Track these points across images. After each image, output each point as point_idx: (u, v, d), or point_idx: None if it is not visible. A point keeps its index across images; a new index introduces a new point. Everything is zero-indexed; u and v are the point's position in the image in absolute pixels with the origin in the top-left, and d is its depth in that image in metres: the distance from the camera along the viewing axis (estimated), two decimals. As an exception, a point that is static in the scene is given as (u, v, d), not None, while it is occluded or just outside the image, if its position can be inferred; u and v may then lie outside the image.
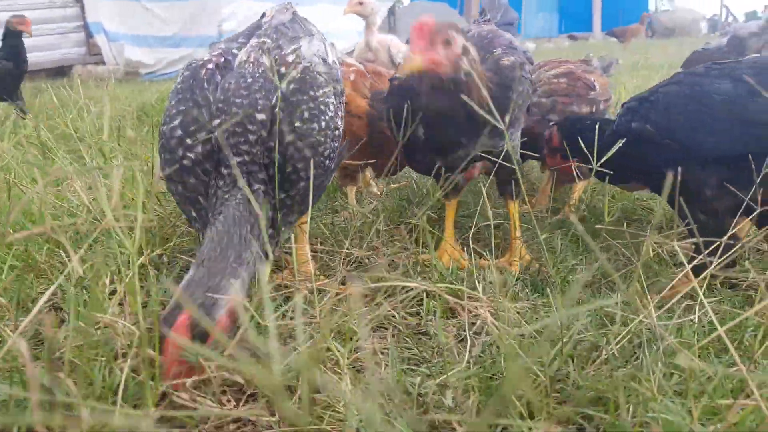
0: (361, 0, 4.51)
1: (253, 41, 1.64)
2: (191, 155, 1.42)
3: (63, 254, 1.56)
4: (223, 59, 1.58)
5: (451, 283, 1.68)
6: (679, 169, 1.40)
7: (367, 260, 1.88)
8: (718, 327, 1.05)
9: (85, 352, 1.19)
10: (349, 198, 2.45)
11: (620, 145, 1.56)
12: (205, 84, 1.50)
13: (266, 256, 1.30)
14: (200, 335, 1.12)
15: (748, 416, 1.01)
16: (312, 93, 1.52)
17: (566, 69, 2.38)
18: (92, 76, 9.19)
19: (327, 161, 1.55)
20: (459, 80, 1.58)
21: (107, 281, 1.44)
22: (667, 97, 1.63)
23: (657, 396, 1.08)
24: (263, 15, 1.88)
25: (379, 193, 2.62)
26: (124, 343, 1.21)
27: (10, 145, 2.86)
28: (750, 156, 1.39)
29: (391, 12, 12.36)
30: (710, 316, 1.49)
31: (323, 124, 1.51)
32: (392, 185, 2.69)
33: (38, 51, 9.45)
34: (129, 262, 1.47)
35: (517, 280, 1.68)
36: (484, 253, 1.88)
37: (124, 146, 2.64)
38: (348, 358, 1.39)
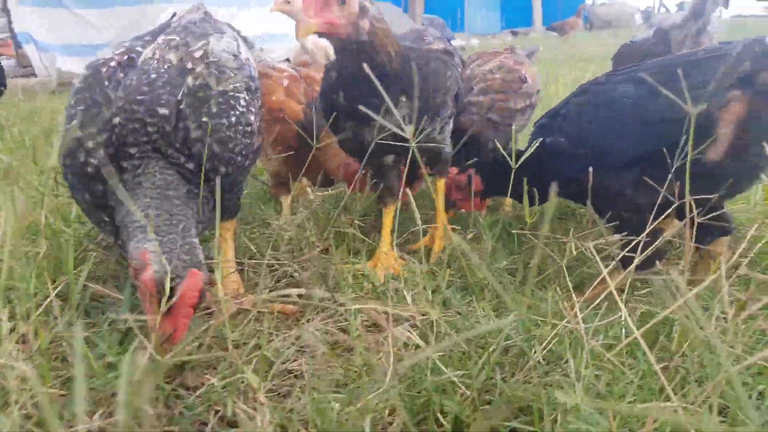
0: (288, -1, 4.32)
1: (160, 39, 1.59)
2: (93, 161, 1.35)
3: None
4: (126, 57, 1.52)
5: (383, 294, 1.64)
6: (591, 173, 1.42)
7: (297, 274, 1.82)
8: (634, 329, 1.04)
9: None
10: (283, 208, 2.38)
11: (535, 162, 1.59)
12: (106, 82, 1.43)
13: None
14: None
15: (667, 423, 1.00)
16: (220, 88, 1.48)
17: (499, 62, 2.37)
18: (23, 90, 8.77)
19: (239, 158, 1.50)
20: (362, 41, 1.54)
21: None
22: (577, 108, 1.67)
23: (579, 405, 1.05)
24: (173, 15, 1.82)
25: (314, 200, 2.56)
26: (16, 386, 1.11)
27: None
28: (664, 151, 1.40)
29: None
30: (640, 312, 1.51)
31: (233, 119, 1.47)
32: (329, 191, 2.63)
33: (-39, 65, 8.96)
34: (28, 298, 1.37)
35: (448, 288, 1.64)
36: (414, 261, 1.84)
37: (39, 164, 2.49)
38: (269, 382, 1.33)
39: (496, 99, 2.27)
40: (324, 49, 4.40)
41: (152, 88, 1.41)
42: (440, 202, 2.02)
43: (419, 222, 1.61)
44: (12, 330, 1.32)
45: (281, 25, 6.94)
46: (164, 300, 1.16)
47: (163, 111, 1.38)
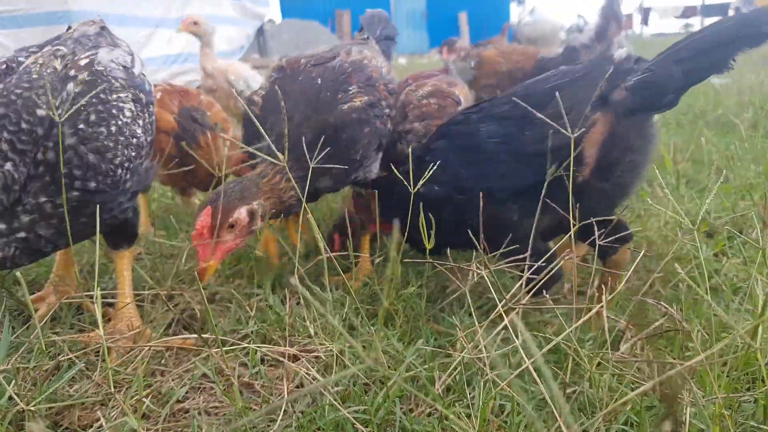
0: (196, 20, 4.07)
1: (46, 48, 1.52)
2: None
3: None
4: (5, 66, 1.46)
5: (291, 326, 1.58)
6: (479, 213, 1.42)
7: (197, 305, 1.73)
8: (525, 359, 1.04)
9: None
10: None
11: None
12: None
13: None
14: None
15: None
16: (102, 96, 1.41)
17: (433, 87, 2.35)
18: None
19: (119, 170, 1.43)
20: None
21: None
22: (443, 153, 1.63)
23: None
24: (68, 28, 1.71)
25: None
26: None
27: None
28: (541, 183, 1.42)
29: (261, 32, 11.92)
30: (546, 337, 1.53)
31: (113, 129, 1.41)
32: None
33: None
34: None
35: (356, 311, 1.60)
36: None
37: None
38: (161, 423, 1.24)
39: (431, 124, 2.24)
40: (224, 73, 4.22)
41: (31, 86, 1.34)
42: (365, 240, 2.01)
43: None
44: None
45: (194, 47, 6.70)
46: None
47: (40, 112, 1.32)
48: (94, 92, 1.39)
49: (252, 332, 1.59)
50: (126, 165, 1.44)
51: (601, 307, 1.09)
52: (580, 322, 1.01)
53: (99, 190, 1.39)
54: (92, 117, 1.38)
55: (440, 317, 1.70)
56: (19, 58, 1.50)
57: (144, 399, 1.27)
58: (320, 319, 1.58)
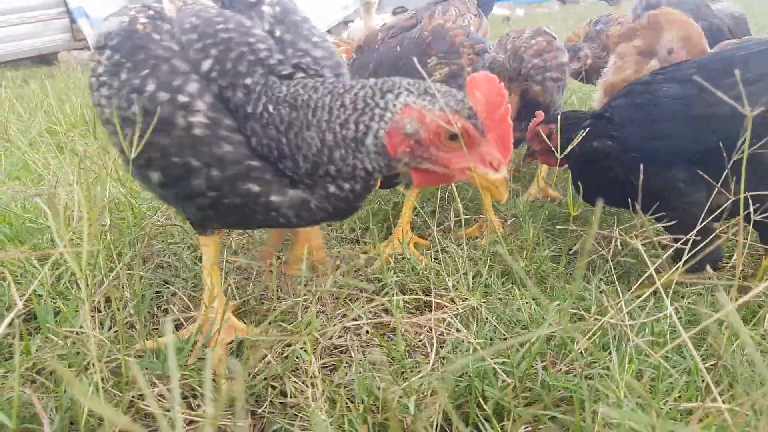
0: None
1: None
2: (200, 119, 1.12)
3: (35, 261, 1.55)
4: (151, 11, 1.27)
5: (425, 278, 1.68)
6: (642, 173, 1.41)
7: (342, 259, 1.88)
8: (682, 332, 1.06)
9: (52, 364, 1.19)
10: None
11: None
12: (157, 35, 1.19)
13: None
14: None
15: (713, 422, 1.01)
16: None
17: (532, 29, 2.34)
18: (78, 62, 9.07)
19: None
20: None
21: (79, 290, 1.43)
22: (622, 110, 1.65)
23: (621, 400, 1.08)
24: None
25: None
26: (96, 353, 1.21)
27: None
28: (720, 148, 1.39)
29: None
30: (688, 309, 1.51)
31: None
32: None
33: (21, 39, 9.30)
34: (96, 271, 1.47)
35: (488, 270, 1.67)
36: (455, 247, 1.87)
37: (99, 140, 2.61)
38: (318, 359, 1.39)
39: (548, 58, 2.27)
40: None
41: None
42: (487, 197, 2.03)
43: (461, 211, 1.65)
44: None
45: None
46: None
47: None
48: None
49: (391, 282, 1.72)
50: None
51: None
52: (745, 298, 1.00)
53: None
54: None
55: (571, 281, 1.73)
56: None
57: (315, 334, 1.41)
58: (455, 274, 1.67)
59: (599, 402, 1.16)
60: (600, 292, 1.62)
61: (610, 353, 1.32)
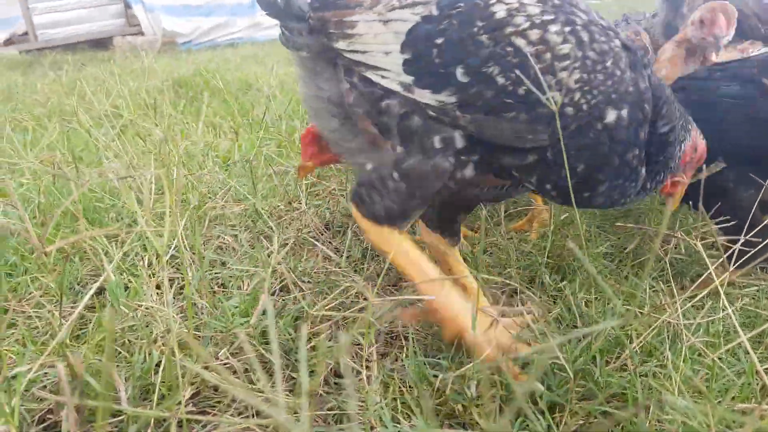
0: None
1: None
2: None
3: (105, 239, 1.63)
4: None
5: (474, 268, 1.69)
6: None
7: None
8: (740, 333, 1.05)
9: (125, 335, 1.26)
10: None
11: None
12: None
13: None
14: None
15: (769, 422, 1.01)
16: None
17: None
18: (132, 47, 9.35)
19: None
20: None
21: (145, 267, 1.51)
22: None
23: (677, 397, 1.08)
24: None
25: None
26: (162, 328, 1.27)
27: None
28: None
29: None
30: (742, 311, 1.49)
31: None
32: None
33: (78, 23, 9.63)
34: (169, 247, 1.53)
35: (545, 266, 1.68)
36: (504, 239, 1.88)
37: (162, 125, 2.71)
38: (373, 344, 1.43)
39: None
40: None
41: None
42: None
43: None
44: (151, 276, 1.51)
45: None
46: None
47: None
48: None
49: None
50: None
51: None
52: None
53: None
54: None
55: (621, 279, 1.72)
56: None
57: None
58: (505, 265, 1.69)
59: (652, 399, 1.16)
60: (654, 290, 1.61)
61: (663, 352, 1.32)
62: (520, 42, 1.11)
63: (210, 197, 2.04)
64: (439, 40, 1.15)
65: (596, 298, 1.58)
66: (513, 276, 1.66)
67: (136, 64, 6.40)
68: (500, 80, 1.12)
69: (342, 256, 1.76)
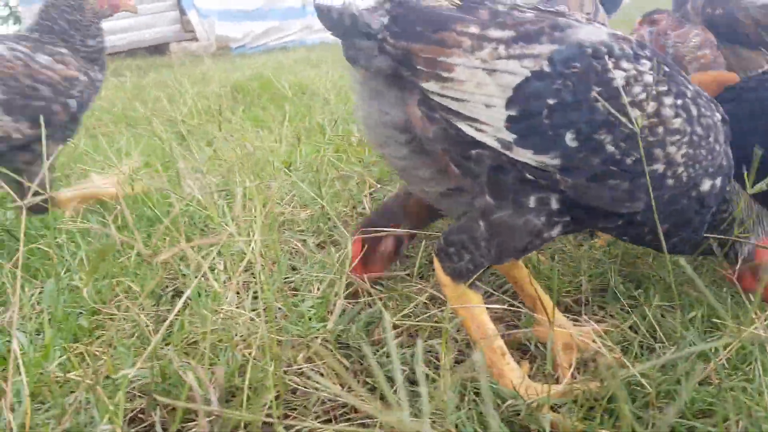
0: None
1: None
2: None
3: (183, 242, 1.69)
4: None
5: (548, 278, 1.68)
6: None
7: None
8: None
9: (209, 338, 1.30)
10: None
11: None
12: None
13: None
14: None
15: None
16: None
17: (701, 38, 2.17)
18: (187, 53, 9.66)
19: None
20: None
21: (222, 272, 1.56)
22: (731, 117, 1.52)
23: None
24: None
25: None
26: (243, 331, 1.31)
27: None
28: None
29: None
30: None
31: None
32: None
33: (137, 30, 10.00)
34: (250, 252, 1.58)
35: (619, 275, 1.64)
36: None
37: (223, 131, 2.79)
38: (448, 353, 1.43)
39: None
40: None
41: None
42: None
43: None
44: (227, 280, 1.56)
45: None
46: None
47: None
48: None
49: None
50: None
51: None
52: None
53: None
54: None
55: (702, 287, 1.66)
56: None
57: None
58: (577, 276, 1.66)
59: (742, 415, 1.13)
60: (735, 302, 1.56)
61: (750, 364, 1.28)
62: (635, 113, 1.09)
63: (278, 203, 2.09)
64: (552, 101, 1.09)
65: (672, 306, 1.54)
66: (584, 284, 1.63)
67: (193, 70, 6.60)
68: (610, 148, 1.10)
69: (413, 264, 1.77)
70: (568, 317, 1.49)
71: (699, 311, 1.52)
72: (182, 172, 2.13)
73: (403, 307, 1.56)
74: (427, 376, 1.30)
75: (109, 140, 3.43)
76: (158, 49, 10.32)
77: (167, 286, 1.64)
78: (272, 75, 5.35)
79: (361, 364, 1.36)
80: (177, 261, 1.64)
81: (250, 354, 1.23)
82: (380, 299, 1.58)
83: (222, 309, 1.39)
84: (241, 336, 1.31)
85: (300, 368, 1.28)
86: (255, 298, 1.60)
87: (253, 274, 1.66)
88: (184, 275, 1.64)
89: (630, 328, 1.45)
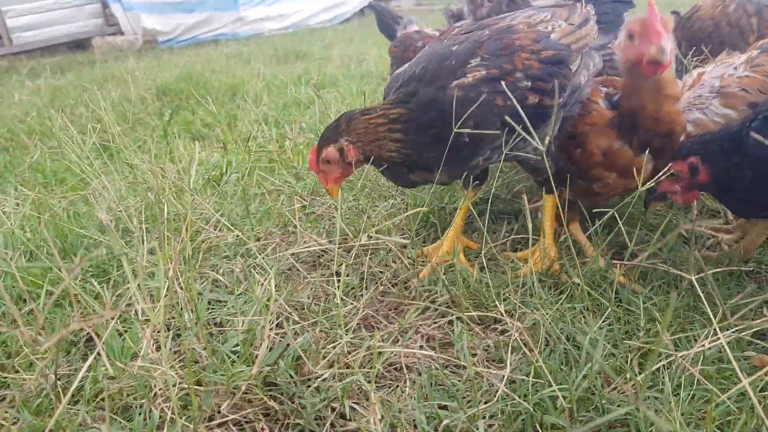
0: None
1: None
2: None
3: (96, 283, 1.59)
4: None
5: (475, 295, 1.68)
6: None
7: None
8: (741, 376, 1.04)
9: (123, 396, 1.23)
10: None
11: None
12: None
13: None
14: None
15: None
16: None
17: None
18: (111, 48, 9.18)
19: None
20: None
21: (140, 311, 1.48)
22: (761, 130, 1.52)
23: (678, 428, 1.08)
24: None
25: None
26: (161, 384, 1.25)
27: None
28: None
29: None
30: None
31: None
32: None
33: (55, 25, 9.44)
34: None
35: (543, 282, 1.66)
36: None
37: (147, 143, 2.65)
38: (376, 376, 1.41)
39: None
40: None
41: None
42: (546, 219, 1.93)
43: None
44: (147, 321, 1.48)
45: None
46: None
47: None
48: None
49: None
50: None
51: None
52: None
53: None
54: None
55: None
56: None
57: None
58: (505, 287, 1.67)
59: (654, 425, 1.16)
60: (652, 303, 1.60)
61: (662, 376, 1.32)
62: None
63: (203, 227, 2.00)
64: None
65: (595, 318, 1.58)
66: (511, 296, 1.64)
67: (117, 68, 6.27)
68: None
69: (339, 282, 1.73)
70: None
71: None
72: (96, 197, 2.01)
73: (334, 335, 1.53)
74: (354, 409, 1.28)
75: (21, 155, 3.22)
76: (80, 44, 9.79)
77: (82, 329, 1.55)
78: (201, 76, 5.15)
79: (292, 403, 1.32)
80: (91, 301, 1.55)
81: (168, 409, 1.17)
82: (308, 329, 1.54)
83: (139, 357, 1.32)
84: (160, 389, 1.25)
85: (224, 419, 1.24)
86: (178, 335, 1.53)
87: (174, 309, 1.59)
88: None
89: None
